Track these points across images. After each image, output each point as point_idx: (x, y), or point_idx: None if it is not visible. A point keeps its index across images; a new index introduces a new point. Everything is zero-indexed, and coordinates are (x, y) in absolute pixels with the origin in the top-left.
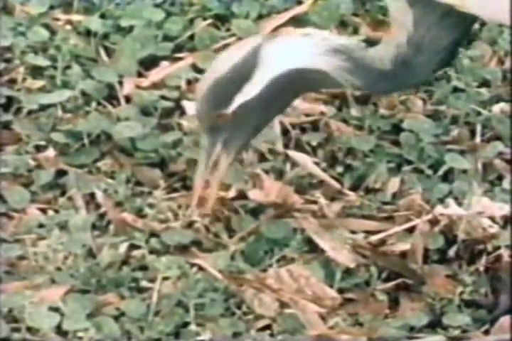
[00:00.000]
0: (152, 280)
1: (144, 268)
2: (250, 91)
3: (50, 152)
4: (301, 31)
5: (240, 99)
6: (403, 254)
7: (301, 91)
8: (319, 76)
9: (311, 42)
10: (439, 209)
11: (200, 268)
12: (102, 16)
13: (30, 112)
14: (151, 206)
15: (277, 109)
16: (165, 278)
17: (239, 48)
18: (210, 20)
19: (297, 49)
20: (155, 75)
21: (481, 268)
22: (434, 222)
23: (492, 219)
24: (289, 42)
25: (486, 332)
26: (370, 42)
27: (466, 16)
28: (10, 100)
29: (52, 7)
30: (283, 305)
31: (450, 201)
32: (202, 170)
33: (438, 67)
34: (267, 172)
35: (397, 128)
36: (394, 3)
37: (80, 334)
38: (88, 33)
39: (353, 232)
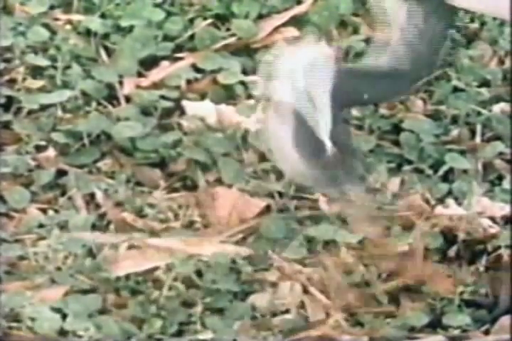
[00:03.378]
0: (153, 280)
1: None
2: (323, 112)
3: (50, 152)
4: None
5: (328, 143)
6: (403, 254)
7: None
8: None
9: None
10: (439, 209)
11: None
12: (102, 16)
13: (30, 112)
14: (151, 206)
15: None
16: None
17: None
18: (210, 20)
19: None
20: (155, 75)
21: (481, 268)
22: (434, 222)
23: (492, 219)
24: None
25: (486, 332)
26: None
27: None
28: (10, 100)
29: (52, 7)
30: None
31: (450, 201)
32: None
33: (434, 60)
34: (267, 172)
35: (397, 128)
36: (385, 4)
37: (80, 333)
38: (88, 33)
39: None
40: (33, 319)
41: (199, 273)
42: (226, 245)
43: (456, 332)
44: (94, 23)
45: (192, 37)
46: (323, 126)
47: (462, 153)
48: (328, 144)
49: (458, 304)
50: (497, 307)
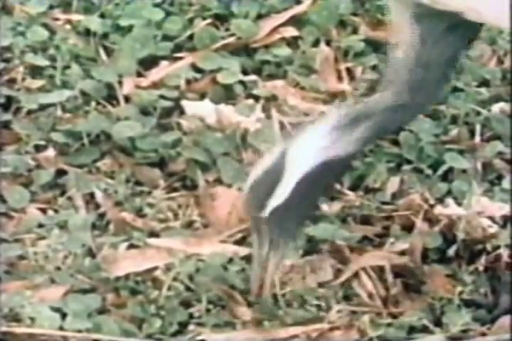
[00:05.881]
0: (152, 280)
1: None
2: (281, 194)
3: (50, 152)
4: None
5: (272, 203)
6: (402, 254)
7: (330, 183)
8: (341, 163)
9: (327, 133)
10: (438, 209)
11: None
12: (102, 16)
13: (29, 112)
14: (150, 206)
15: (312, 207)
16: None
17: (272, 152)
18: (209, 20)
19: (315, 146)
20: (154, 75)
21: (481, 268)
22: (433, 222)
23: (492, 219)
24: (306, 142)
25: (486, 332)
26: (370, 42)
27: (471, 25)
28: (9, 100)
29: (51, 7)
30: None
31: (450, 201)
32: (256, 270)
33: (447, 80)
34: None
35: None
36: (399, 22)
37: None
38: (87, 33)
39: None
40: (32, 318)
41: (199, 273)
42: (226, 245)
43: (456, 331)
44: (94, 23)
45: (191, 37)
46: (279, 193)
47: (461, 152)
48: (268, 208)
49: (457, 304)
50: (497, 307)
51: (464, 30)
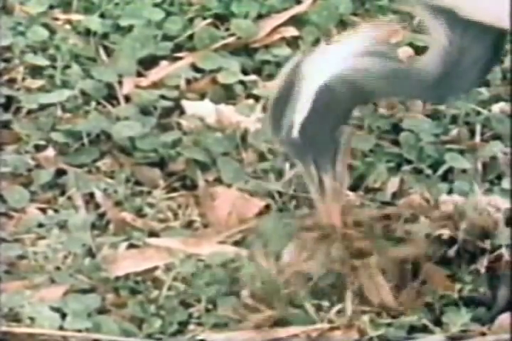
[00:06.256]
0: (152, 280)
1: None
2: (303, 108)
3: (50, 152)
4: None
5: (298, 120)
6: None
7: (355, 99)
8: (362, 78)
9: (349, 48)
10: (443, 197)
11: None
12: (102, 16)
13: (29, 112)
14: (150, 205)
15: (340, 118)
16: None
17: (283, 70)
18: (209, 20)
19: (335, 56)
20: (154, 75)
21: (481, 268)
22: (440, 213)
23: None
24: (326, 53)
25: (486, 332)
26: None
27: (497, 32)
28: (9, 100)
29: (51, 7)
30: None
31: (454, 197)
32: (315, 195)
33: (480, 75)
34: (266, 171)
35: (396, 128)
36: (428, 26)
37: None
38: (88, 33)
39: None
40: (32, 318)
41: (198, 273)
42: (225, 245)
43: (456, 331)
44: (94, 23)
45: (191, 36)
46: (299, 108)
47: (462, 152)
48: (295, 127)
49: (457, 303)
50: (495, 303)
51: (492, 38)
